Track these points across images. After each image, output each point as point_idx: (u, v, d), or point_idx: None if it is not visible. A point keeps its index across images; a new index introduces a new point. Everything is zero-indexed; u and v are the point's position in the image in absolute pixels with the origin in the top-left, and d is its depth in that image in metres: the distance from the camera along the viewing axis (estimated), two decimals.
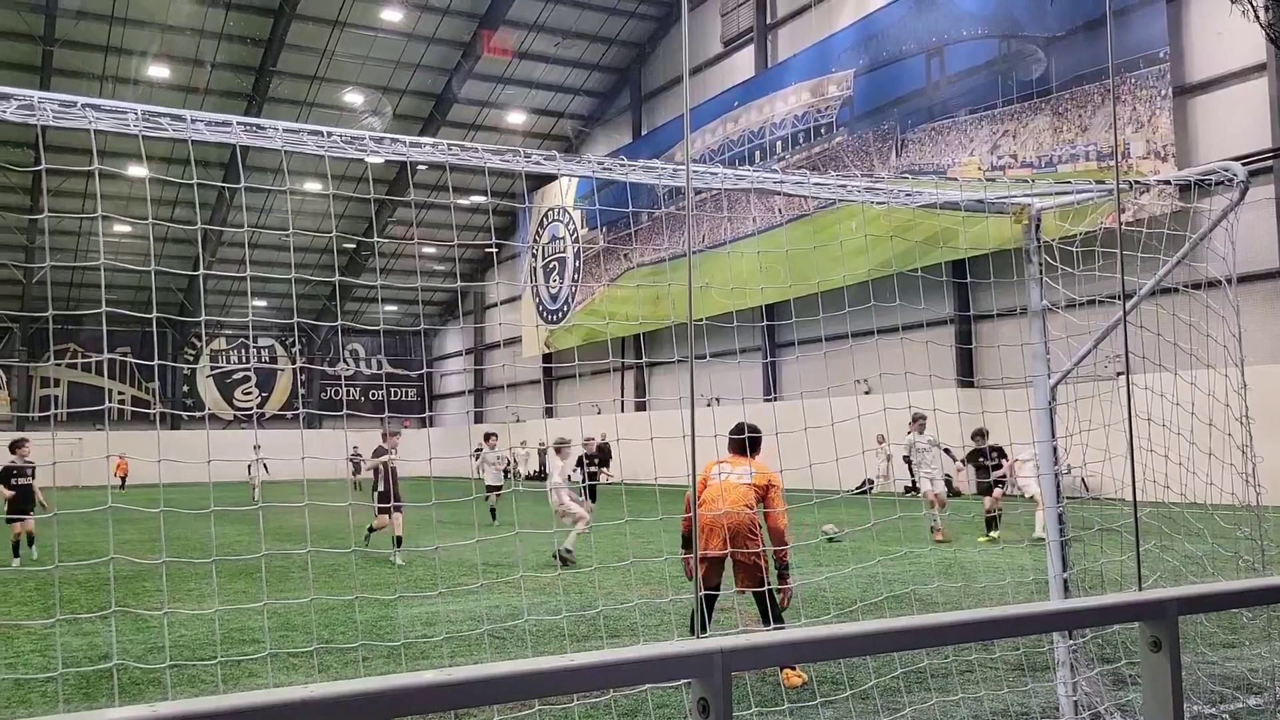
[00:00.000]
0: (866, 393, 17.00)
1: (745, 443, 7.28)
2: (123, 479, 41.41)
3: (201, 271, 5.52)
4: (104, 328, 3.81)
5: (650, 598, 9.75)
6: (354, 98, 42.73)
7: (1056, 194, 5.93)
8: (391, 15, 39.00)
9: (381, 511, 14.84)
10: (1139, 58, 22.87)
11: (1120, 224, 3.83)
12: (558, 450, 16.35)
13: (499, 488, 21.68)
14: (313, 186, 43.41)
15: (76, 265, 43.47)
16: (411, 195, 45.54)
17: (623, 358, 43.53)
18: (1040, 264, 5.90)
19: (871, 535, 14.84)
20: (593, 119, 46.90)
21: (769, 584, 6.92)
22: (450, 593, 11.22)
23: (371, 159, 4.24)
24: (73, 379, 54.44)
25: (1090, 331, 5.76)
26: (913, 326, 7.03)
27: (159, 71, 39.62)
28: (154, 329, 3.97)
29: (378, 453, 15.05)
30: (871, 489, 18.79)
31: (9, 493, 14.82)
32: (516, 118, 46.04)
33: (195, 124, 3.84)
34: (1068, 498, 6.00)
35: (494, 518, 21.11)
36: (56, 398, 53.61)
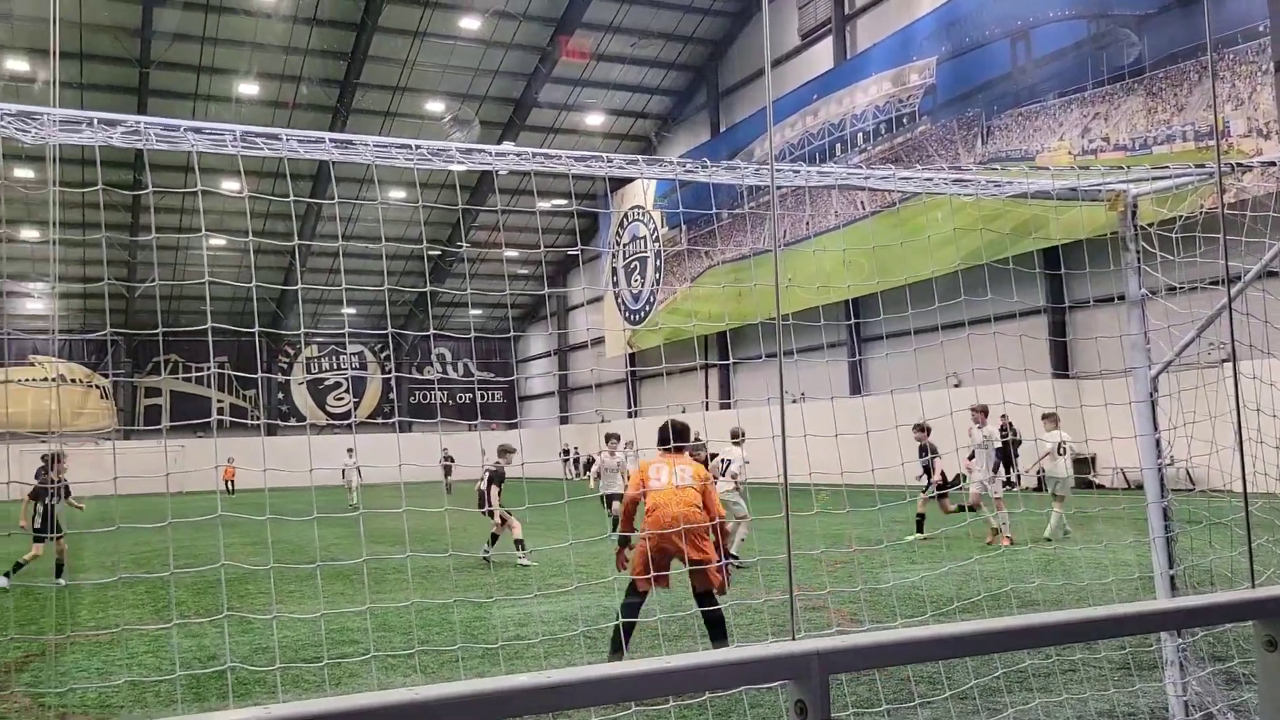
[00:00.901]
0: (956, 386, 16.61)
1: (678, 442, 7.56)
2: (230, 484, 42.71)
3: (299, 285, 5.68)
4: (209, 340, 3.96)
5: (742, 597, 9.71)
6: (436, 106, 43.44)
7: (1153, 179, 5.73)
8: (470, 24, 39.58)
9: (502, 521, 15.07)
10: (1238, 32, 22.01)
11: (1222, 206, 3.70)
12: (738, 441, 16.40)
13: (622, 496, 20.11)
14: (396, 194, 44.24)
15: (184, 282, 45.05)
16: (498, 201, 46.13)
17: (706, 357, 43.42)
18: (1138, 251, 5.71)
19: (966, 532, 14.54)
20: (671, 118, 46.92)
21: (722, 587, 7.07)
22: (544, 594, 11.34)
23: (457, 168, 4.32)
24: (174, 389, 56.53)
25: (1193, 319, 5.56)
26: (1004, 318, 6.89)
27: (249, 89, 40.85)
28: (256, 339, 4.10)
29: (496, 477, 15.21)
30: (963, 484, 18.35)
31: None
32: (595, 119, 46.33)
33: (290, 142, 3.95)
34: (1172, 490, 5.81)
35: (614, 528, 19.49)
36: (160, 408, 55.76)
